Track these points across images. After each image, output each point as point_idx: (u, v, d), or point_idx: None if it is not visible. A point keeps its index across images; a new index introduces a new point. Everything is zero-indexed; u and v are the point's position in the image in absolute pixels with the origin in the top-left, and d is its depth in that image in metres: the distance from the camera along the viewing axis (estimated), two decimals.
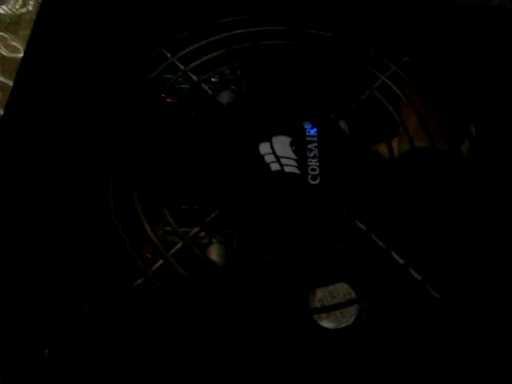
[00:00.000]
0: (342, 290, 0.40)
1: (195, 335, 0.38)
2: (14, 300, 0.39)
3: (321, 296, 0.40)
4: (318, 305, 0.39)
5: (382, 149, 0.46)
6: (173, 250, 0.40)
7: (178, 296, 0.38)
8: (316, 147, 0.43)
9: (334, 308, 0.39)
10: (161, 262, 0.40)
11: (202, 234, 0.42)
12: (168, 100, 0.47)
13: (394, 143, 0.47)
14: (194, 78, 0.47)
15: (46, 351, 0.37)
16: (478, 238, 0.42)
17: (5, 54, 0.68)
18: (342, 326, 0.39)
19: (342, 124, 0.47)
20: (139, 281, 0.39)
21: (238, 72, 0.50)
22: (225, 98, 0.48)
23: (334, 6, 0.53)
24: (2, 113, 0.50)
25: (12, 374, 0.37)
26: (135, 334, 0.38)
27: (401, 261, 0.40)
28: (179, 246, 0.40)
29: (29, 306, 0.39)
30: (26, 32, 0.65)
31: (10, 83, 0.73)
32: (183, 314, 0.38)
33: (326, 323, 0.39)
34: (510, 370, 0.39)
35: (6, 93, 0.75)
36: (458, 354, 0.39)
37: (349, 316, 0.39)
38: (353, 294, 0.39)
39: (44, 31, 0.52)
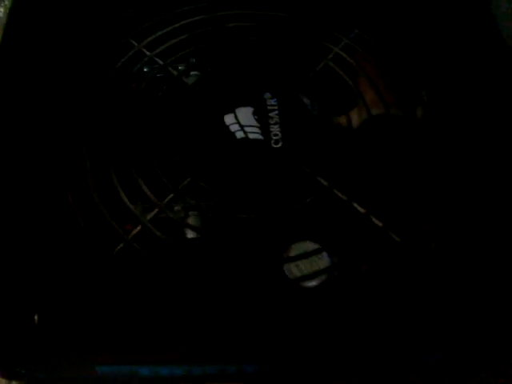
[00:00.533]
0: (313, 247, 0.43)
1: (172, 296, 0.41)
2: (5, 269, 0.41)
3: (293, 251, 0.43)
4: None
5: (342, 119, 0.49)
6: (149, 216, 0.43)
7: (157, 257, 0.41)
8: (277, 115, 0.47)
9: (303, 257, 0.42)
10: (139, 228, 0.42)
11: (179, 208, 0.45)
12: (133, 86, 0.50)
13: (354, 113, 0.50)
14: (160, 62, 0.51)
15: (36, 317, 0.39)
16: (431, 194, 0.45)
17: None
18: (311, 278, 0.41)
19: (304, 98, 0.50)
20: (120, 246, 0.41)
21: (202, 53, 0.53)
22: (191, 78, 0.51)
23: None
24: None
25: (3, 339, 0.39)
26: (119, 296, 0.41)
27: (362, 210, 0.43)
28: (155, 212, 0.43)
29: (18, 274, 0.41)
30: None
31: None
32: (163, 275, 0.41)
33: (295, 273, 0.42)
34: (469, 304, 0.41)
35: None
36: (422, 292, 0.42)
37: (317, 266, 0.42)
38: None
39: (15, 25, 0.54)
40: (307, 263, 0.42)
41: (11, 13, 0.55)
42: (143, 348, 0.40)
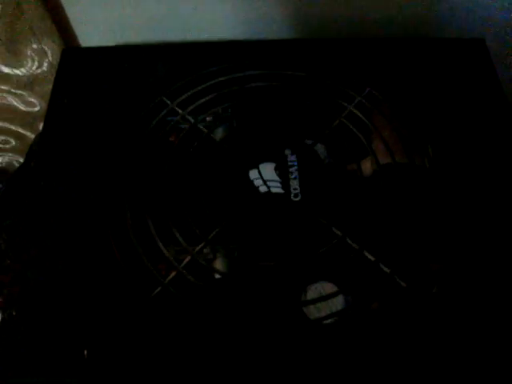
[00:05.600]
0: (327, 287, 0.48)
1: (205, 333, 0.46)
2: (58, 309, 0.47)
3: (310, 292, 0.48)
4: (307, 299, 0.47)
5: (355, 168, 0.54)
6: (183, 263, 0.48)
7: (190, 300, 0.46)
8: (296, 170, 0.52)
9: (321, 300, 0.47)
10: (173, 273, 0.48)
11: (208, 250, 0.50)
12: (171, 139, 0.56)
13: (367, 162, 0.55)
14: (191, 119, 0.56)
15: (86, 352, 0.45)
16: (436, 237, 0.50)
17: (23, 108, 0.77)
18: (329, 318, 0.46)
19: (321, 148, 0.55)
20: (157, 290, 0.47)
21: (229, 110, 0.58)
22: (219, 134, 0.57)
23: (306, 50, 0.62)
24: (22, 160, 0.58)
25: (57, 370, 0.45)
26: (157, 335, 0.46)
27: (372, 258, 0.48)
28: (188, 259, 0.48)
29: (69, 314, 0.47)
30: (40, 89, 0.74)
31: (27, 133, 0.82)
32: (195, 315, 0.46)
33: (314, 313, 0.47)
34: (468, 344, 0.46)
35: (24, 142, 0.84)
36: (425, 333, 0.47)
37: (334, 307, 0.47)
38: (335, 289, 0.47)
39: (62, 87, 0.61)
40: (324, 304, 0.47)
41: (59, 70, 0.62)
42: None
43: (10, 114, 0.79)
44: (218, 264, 0.50)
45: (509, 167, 0.55)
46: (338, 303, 0.47)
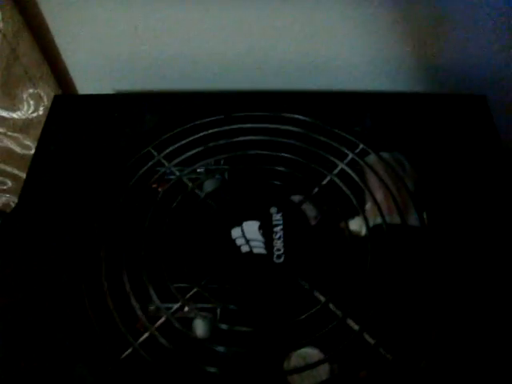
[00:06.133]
0: (312, 354, 0.46)
1: None
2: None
3: (294, 359, 0.45)
4: (291, 367, 0.45)
5: (343, 227, 0.52)
6: (157, 324, 0.46)
7: (161, 365, 0.44)
8: (281, 229, 0.50)
9: (306, 368, 0.44)
10: (146, 334, 0.46)
11: (187, 309, 0.48)
12: (156, 188, 0.55)
13: (356, 223, 0.53)
14: (177, 172, 0.55)
15: None
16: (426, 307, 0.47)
17: (18, 151, 0.77)
18: None
19: (310, 206, 0.54)
20: (128, 351, 0.45)
21: (222, 162, 0.57)
22: (207, 187, 0.55)
23: (297, 102, 0.61)
24: (16, 201, 0.58)
25: None
26: None
27: (356, 327, 0.46)
28: (163, 320, 0.46)
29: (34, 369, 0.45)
30: (35, 132, 0.74)
31: (23, 175, 0.81)
32: (165, 381, 0.44)
33: (298, 383, 0.44)
34: None
35: (20, 183, 0.83)
36: None
37: (319, 376, 0.44)
38: (321, 356, 0.45)
39: (50, 133, 0.61)
40: (309, 372, 0.45)
41: (48, 117, 0.61)
42: None
43: (7, 156, 0.79)
44: (197, 325, 0.48)
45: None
46: (323, 372, 0.45)
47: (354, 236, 0.52)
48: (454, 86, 0.68)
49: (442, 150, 0.58)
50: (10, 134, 0.74)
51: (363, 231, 0.51)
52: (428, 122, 0.60)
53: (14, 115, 0.71)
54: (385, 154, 0.56)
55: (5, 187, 0.86)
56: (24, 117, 0.71)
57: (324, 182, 0.54)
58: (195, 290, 0.48)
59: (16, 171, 0.81)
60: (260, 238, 0.50)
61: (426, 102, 0.63)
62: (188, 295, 0.48)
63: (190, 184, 0.54)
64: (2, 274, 0.51)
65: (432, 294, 0.48)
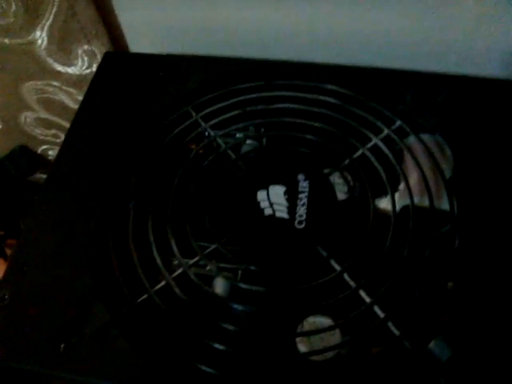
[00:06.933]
0: (325, 323, 0.46)
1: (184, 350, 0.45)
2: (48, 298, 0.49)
3: (306, 325, 0.46)
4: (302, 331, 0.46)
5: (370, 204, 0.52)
6: (174, 274, 0.48)
7: (174, 314, 0.45)
8: (306, 197, 0.50)
9: (317, 332, 0.45)
10: (163, 283, 0.47)
11: (209, 267, 0.49)
12: (191, 147, 0.56)
13: (384, 201, 0.52)
14: (212, 133, 0.56)
15: (63, 345, 0.45)
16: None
17: (72, 105, 0.80)
18: (319, 353, 0.44)
19: (339, 178, 0.53)
20: (143, 297, 0.47)
21: (262, 129, 0.58)
22: (242, 149, 0.57)
23: (338, 76, 0.60)
24: None
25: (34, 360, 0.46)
26: (136, 340, 0.46)
27: (367, 299, 0.45)
28: (180, 271, 0.48)
29: (57, 304, 0.48)
30: None
31: None
32: (176, 331, 0.45)
33: (303, 347, 0.45)
34: None
35: None
36: None
37: (328, 342, 0.45)
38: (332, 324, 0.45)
39: (97, 87, 0.63)
40: (319, 338, 0.45)
41: (97, 72, 0.64)
42: None
43: (61, 110, 0.83)
44: (218, 283, 0.49)
45: None
46: (333, 339, 0.45)
47: (381, 214, 0.51)
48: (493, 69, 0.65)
49: (486, 137, 0.56)
50: (64, 88, 0.77)
51: (391, 210, 0.51)
52: (475, 107, 0.58)
53: (69, 70, 0.74)
54: (425, 136, 0.55)
55: (58, 140, 0.89)
56: (78, 72, 0.74)
57: (355, 155, 0.54)
58: (215, 246, 0.49)
59: (69, 125, 0.85)
60: (284, 202, 0.50)
61: (474, 86, 0.60)
62: (207, 251, 0.49)
63: (223, 145, 0.55)
64: (44, 215, 0.54)
65: (446, 278, 0.47)
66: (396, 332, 0.44)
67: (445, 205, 0.51)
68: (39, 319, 0.47)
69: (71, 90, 0.78)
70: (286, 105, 0.57)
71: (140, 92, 0.62)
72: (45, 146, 0.95)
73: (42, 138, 0.92)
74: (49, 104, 0.83)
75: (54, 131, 0.89)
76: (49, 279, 0.49)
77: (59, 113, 0.84)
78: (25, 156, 0.96)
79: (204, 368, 0.43)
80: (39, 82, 0.78)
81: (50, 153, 0.96)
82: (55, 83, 0.77)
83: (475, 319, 0.45)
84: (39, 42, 0.70)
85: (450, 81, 0.60)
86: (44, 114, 0.85)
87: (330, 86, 0.58)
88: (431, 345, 0.43)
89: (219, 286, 0.49)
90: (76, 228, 0.52)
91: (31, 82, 0.78)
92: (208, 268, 0.49)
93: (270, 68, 0.62)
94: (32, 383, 0.48)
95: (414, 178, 0.52)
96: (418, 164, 0.52)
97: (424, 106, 0.57)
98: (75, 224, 0.52)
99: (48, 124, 0.88)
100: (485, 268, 0.47)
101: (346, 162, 0.53)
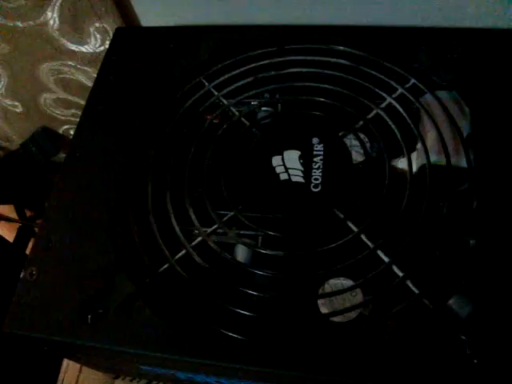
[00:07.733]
0: (347, 284, 0.46)
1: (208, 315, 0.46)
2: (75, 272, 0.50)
3: (327, 287, 0.46)
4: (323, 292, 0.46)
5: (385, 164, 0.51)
6: (193, 243, 0.48)
7: (195, 282, 0.46)
8: (321, 160, 0.50)
9: (338, 293, 0.45)
10: (183, 252, 0.48)
11: (229, 235, 0.50)
12: (206, 117, 0.56)
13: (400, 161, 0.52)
14: (225, 102, 0.56)
15: (90, 316, 0.46)
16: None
17: (88, 84, 0.81)
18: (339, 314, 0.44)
19: (354, 142, 0.53)
20: (165, 266, 0.48)
21: (277, 95, 0.58)
22: (256, 116, 0.57)
23: (350, 36, 0.60)
24: None
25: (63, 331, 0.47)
26: (160, 308, 0.47)
27: (386, 259, 0.46)
28: (199, 240, 0.49)
29: (84, 277, 0.49)
30: None
31: None
32: (198, 298, 0.46)
33: (325, 309, 0.45)
34: None
35: None
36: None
37: (350, 303, 0.45)
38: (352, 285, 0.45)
39: (110, 64, 0.64)
40: (341, 299, 0.46)
41: (109, 48, 0.64)
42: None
43: (78, 88, 0.83)
44: (239, 250, 0.50)
45: None
46: (354, 300, 0.45)
47: (399, 174, 0.51)
48: None
49: (504, 93, 0.54)
50: (80, 67, 0.78)
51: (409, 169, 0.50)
52: (492, 60, 0.56)
53: (83, 49, 0.75)
54: (441, 93, 0.54)
55: (77, 119, 0.90)
56: (92, 50, 0.74)
57: (370, 116, 0.53)
58: (232, 213, 0.49)
59: (83, 102, 0.85)
60: (299, 166, 0.50)
61: (491, 38, 0.58)
62: (225, 218, 0.49)
63: (236, 113, 0.55)
64: (65, 193, 0.56)
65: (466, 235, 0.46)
66: (415, 290, 0.44)
67: (463, 162, 0.50)
68: (66, 292, 0.49)
69: (87, 68, 0.78)
70: (297, 69, 0.57)
71: (153, 65, 0.62)
72: (66, 126, 0.96)
73: (62, 118, 0.94)
74: (66, 84, 0.84)
75: (73, 111, 0.90)
76: (73, 254, 0.51)
77: (77, 92, 0.85)
78: (47, 137, 0.97)
79: (230, 334, 0.44)
80: (55, 63, 0.79)
81: (72, 132, 0.97)
82: (70, 63, 0.78)
83: (496, 276, 0.45)
84: (51, 22, 0.70)
85: (466, 35, 0.58)
86: (62, 95, 0.86)
87: (341, 48, 0.57)
88: (451, 302, 0.43)
89: (240, 252, 0.50)
90: (96, 203, 0.53)
91: (47, 64, 0.79)
92: (227, 236, 0.50)
93: (280, 33, 0.62)
94: (60, 354, 0.49)
95: (431, 136, 0.51)
96: (434, 122, 0.51)
97: (439, 63, 0.56)
98: (96, 199, 0.53)
99: (67, 104, 0.89)
100: (506, 224, 0.47)
101: (360, 123, 0.53)
